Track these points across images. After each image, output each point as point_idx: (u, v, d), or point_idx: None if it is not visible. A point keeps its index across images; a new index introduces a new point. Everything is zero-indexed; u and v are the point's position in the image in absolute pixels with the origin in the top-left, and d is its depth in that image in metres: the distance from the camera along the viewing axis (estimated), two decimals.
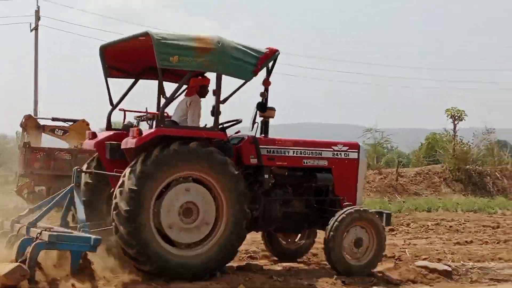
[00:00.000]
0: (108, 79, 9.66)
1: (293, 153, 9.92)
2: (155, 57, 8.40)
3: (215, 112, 9.00)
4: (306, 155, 10.03)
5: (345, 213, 9.45)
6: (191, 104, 9.52)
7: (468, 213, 23.17)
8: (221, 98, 9.16)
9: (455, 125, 34.41)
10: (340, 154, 10.35)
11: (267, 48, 9.34)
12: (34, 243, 7.62)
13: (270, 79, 9.69)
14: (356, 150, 10.51)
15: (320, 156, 10.17)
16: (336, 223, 9.34)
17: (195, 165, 8.56)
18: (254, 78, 9.26)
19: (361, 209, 9.70)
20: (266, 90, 9.66)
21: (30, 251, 7.54)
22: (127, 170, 8.34)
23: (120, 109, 9.76)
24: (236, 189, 8.77)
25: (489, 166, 32.97)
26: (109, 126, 9.81)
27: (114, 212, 8.28)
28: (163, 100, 9.10)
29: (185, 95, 9.72)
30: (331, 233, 9.33)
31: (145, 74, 9.89)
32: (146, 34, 8.60)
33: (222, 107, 9.10)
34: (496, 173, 31.71)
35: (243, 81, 9.30)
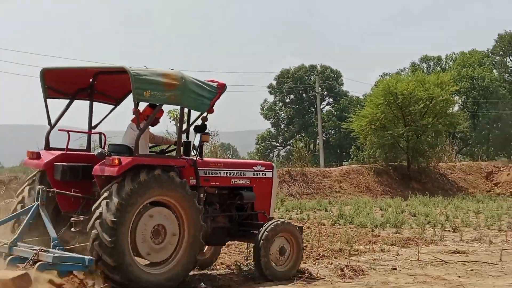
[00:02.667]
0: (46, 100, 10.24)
1: (224, 173, 11.08)
2: (132, 91, 9.29)
3: (178, 141, 10.18)
4: (234, 176, 11.24)
5: (272, 224, 10.84)
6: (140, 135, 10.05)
7: None
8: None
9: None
10: (259, 173, 11.70)
11: (214, 81, 10.58)
12: (39, 263, 8.18)
13: None
14: (271, 170, 11.95)
15: (244, 176, 11.42)
16: (265, 233, 10.69)
17: (161, 190, 9.40)
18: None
19: (285, 221, 11.22)
20: (207, 115, 10.70)
21: (35, 270, 8.04)
22: (103, 202, 8.97)
23: (60, 130, 10.37)
24: (193, 206, 9.74)
25: None
26: (47, 146, 10.27)
27: (96, 242, 8.86)
28: (96, 121, 10.78)
29: (133, 121, 10.41)
30: (261, 242, 10.64)
31: (78, 95, 10.57)
32: (122, 69, 9.46)
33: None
34: None
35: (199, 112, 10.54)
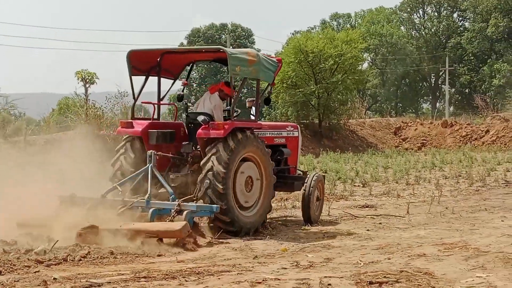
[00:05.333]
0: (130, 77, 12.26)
1: (269, 134, 13.00)
2: (228, 67, 11.36)
3: (255, 109, 12.56)
4: (275, 135, 13.21)
5: (314, 177, 12.99)
6: (216, 107, 12.23)
7: None
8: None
9: (86, 89, 32.65)
10: (290, 133, 13.67)
11: (272, 57, 12.76)
12: (186, 212, 10.31)
13: None
14: (297, 130, 13.99)
15: (281, 135, 13.41)
16: (311, 186, 12.78)
17: (250, 147, 11.54)
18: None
19: (319, 173, 13.65)
20: (271, 89, 13.03)
21: (184, 217, 10.17)
22: (213, 157, 11.02)
23: (144, 102, 13.18)
24: (269, 162, 12.02)
25: None
26: (133, 116, 12.28)
27: (210, 189, 10.94)
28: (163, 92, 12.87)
29: (210, 91, 12.54)
30: (308, 192, 12.71)
31: (152, 72, 12.45)
32: (219, 49, 12.15)
33: None
34: None
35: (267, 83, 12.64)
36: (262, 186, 11.87)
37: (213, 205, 10.70)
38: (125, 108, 32.83)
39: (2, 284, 7.10)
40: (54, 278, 7.44)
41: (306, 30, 70.23)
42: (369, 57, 74.24)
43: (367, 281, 7.43)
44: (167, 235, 9.89)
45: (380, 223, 12.87)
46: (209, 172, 10.97)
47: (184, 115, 12.81)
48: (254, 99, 12.78)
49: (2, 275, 7.64)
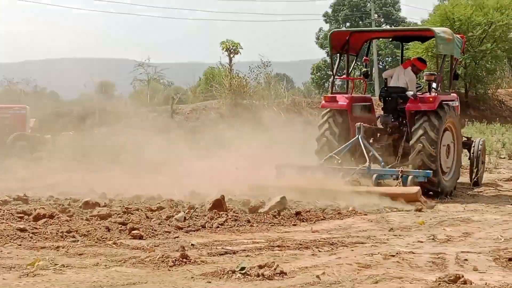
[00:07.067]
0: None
1: None
2: (435, 46, 13.18)
3: (450, 83, 14.17)
4: None
5: (480, 142, 14.27)
6: (411, 81, 13.51)
7: None
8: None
9: (230, 58, 33.15)
10: (454, 103, 13.73)
11: (459, 35, 14.06)
12: (410, 177, 11.69)
13: None
14: (458, 99, 14.28)
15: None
16: (478, 150, 14.04)
17: (451, 118, 12.84)
18: None
19: (484, 139, 15.29)
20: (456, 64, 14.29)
21: (408, 181, 11.62)
22: (425, 124, 12.32)
23: (338, 77, 14.61)
24: (460, 132, 13.45)
25: (266, 100, 32.00)
26: (332, 91, 14.02)
27: (422, 153, 12.18)
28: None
29: (404, 66, 13.87)
30: (477, 156, 13.98)
31: (343, 50, 13.79)
32: (428, 29, 14.63)
33: None
34: (274, 107, 30.85)
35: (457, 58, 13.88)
36: (455, 153, 13.02)
37: (427, 171, 11.81)
38: (268, 77, 33.15)
39: (143, 249, 7.46)
40: (192, 244, 7.74)
41: None
42: None
43: (507, 258, 7.18)
44: (406, 198, 11.14)
45: None
46: (422, 137, 12.18)
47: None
48: (432, 73, 13.40)
49: (144, 239, 8.04)
